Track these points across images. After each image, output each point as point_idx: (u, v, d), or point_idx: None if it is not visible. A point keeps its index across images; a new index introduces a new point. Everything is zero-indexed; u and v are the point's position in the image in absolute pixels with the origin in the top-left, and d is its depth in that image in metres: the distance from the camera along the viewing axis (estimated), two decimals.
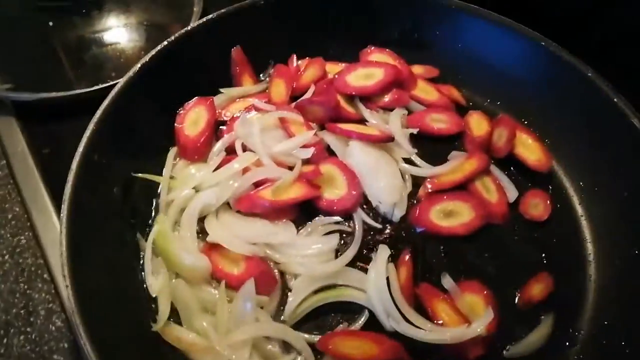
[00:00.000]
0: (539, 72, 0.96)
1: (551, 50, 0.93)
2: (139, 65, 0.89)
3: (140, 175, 0.86)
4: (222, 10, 0.97)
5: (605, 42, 1.07)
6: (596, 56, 0.91)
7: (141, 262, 0.80)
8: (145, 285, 0.78)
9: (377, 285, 0.76)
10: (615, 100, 0.85)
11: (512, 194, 0.90)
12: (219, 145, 0.91)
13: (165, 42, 0.92)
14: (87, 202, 0.76)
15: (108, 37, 1.14)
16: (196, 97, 0.95)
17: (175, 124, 0.92)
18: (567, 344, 0.77)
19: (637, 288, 0.78)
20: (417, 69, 1.05)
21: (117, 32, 1.16)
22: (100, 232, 0.78)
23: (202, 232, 0.83)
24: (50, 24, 1.15)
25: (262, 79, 1.05)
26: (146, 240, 0.81)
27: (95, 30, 1.15)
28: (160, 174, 0.88)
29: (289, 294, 0.77)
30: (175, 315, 0.75)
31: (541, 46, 0.94)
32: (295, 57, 1.05)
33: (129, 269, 0.80)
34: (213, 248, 0.79)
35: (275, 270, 0.79)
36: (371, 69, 1.00)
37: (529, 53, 0.96)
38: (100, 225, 0.78)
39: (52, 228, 0.89)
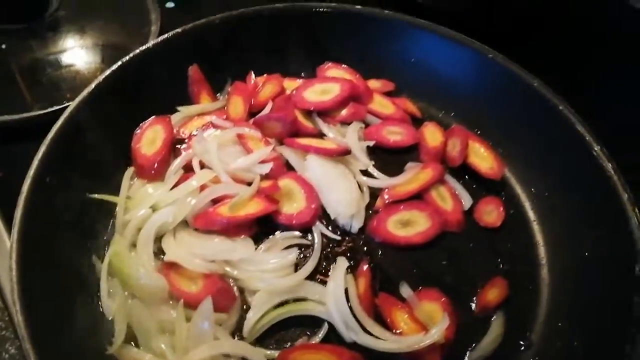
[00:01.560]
0: (489, 83, 0.99)
1: (499, 62, 0.96)
2: (92, 85, 0.88)
3: (96, 196, 0.85)
4: (178, 30, 0.97)
5: (553, 53, 1.11)
6: (544, 66, 0.95)
7: (97, 284, 0.79)
8: (101, 308, 0.77)
9: (336, 296, 0.77)
10: (560, 107, 0.89)
11: (466, 201, 0.92)
12: (176, 163, 0.90)
13: (120, 62, 0.92)
14: (40, 225, 0.75)
15: (64, 59, 1.13)
16: (153, 116, 0.95)
17: (132, 144, 0.92)
18: (523, 348, 0.79)
19: (589, 290, 0.80)
20: (374, 84, 1.07)
21: (74, 53, 1.14)
22: (53, 255, 0.77)
23: (160, 252, 0.82)
24: (4, 46, 1.13)
25: (220, 97, 1.05)
26: (102, 262, 0.80)
27: (51, 52, 1.14)
28: (117, 195, 0.88)
29: (249, 310, 0.77)
30: (132, 338, 0.74)
31: (489, 59, 0.96)
32: (252, 74, 1.06)
33: (84, 291, 0.79)
34: (170, 267, 0.79)
35: (234, 287, 0.79)
36: (328, 85, 1.02)
37: (479, 65, 0.99)
38: (53, 249, 0.77)
39: (6, 254, 0.86)
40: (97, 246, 0.84)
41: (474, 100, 1.01)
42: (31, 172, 0.77)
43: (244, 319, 0.76)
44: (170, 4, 1.30)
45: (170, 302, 0.77)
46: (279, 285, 0.78)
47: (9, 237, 0.86)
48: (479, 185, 0.95)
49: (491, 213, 0.91)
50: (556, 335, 0.79)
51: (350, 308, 0.76)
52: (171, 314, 0.75)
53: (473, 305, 0.82)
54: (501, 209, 0.91)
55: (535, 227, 0.91)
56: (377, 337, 0.74)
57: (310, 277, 0.80)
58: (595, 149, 0.83)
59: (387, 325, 0.77)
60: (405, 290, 0.80)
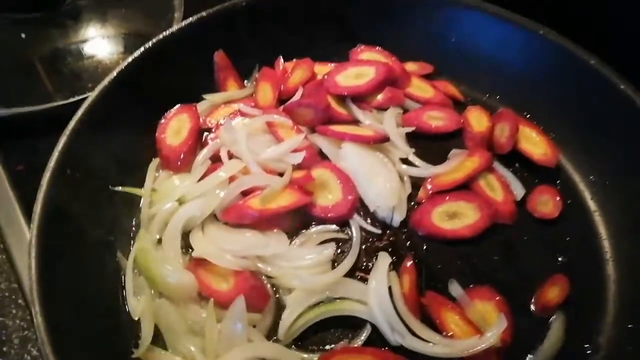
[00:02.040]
0: (539, 62, 0.91)
1: (550, 39, 0.89)
2: (114, 73, 0.84)
3: (119, 188, 0.81)
4: (202, 13, 0.93)
5: (604, 26, 1.02)
6: (596, 41, 0.86)
7: (122, 282, 0.74)
8: (127, 308, 0.72)
9: (379, 296, 0.70)
10: (622, 87, 0.81)
11: (518, 191, 0.85)
12: (203, 154, 0.85)
13: (143, 48, 0.88)
14: (60, 220, 0.72)
15: (85, 48, 1.10)
16: (178, 105, 0.90)
17: (157, 134, 0.87)
18: (589, 351, 0.71)
19: None
20: (411, 66, 1.01)
21: (95, 42, 1.11)
22: (75, 251, 0.73)
23: (187, 247, 0.77)
24: (23, 36, 1.10)
25: (247, 84, 1.00)
26: (127, 258, 0.75)
27: (72, 41, 1.10)
28: (142, 187, 0.83)
29: (284, 310, 0.71)
30: (159, 339, 0.70)
31: (539, 35, 0.89)
32: (281, 59, 1.00)
33: (108, 290, 0.75)
34: (199, 264, 0.74)
35: (268, 285, 0.74)
36: (362, 68, 0.96)
37: (527, 43, 0.91)
38: (75, 245, 0.73)
39: (26, 251, 0.82)
40: (121, 242, 0.79)
41: (522, 81, 0.94)
42: (51, 164, 0.73)
43: (279, 319, 0.71)
44: None
45: (200, 301, 0.72)
46: (316, 283, 0.72)
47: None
48: (532, 173, 0.88)
49: (546, 203, 0.83)
50: (626, 339, 0.71)
51: (395, 308, 0.70)
52: (201, 314, 0.70)
53: (531, 305, 0.74)
54: (557, 198, 0.83)
55: (597, 218, 0.83)
56: (425, 341, 0.68)
57: (350, 274, 0.75)
58: None
59: (436, 327, 0.70)
60: (455, 289, 0.73)
